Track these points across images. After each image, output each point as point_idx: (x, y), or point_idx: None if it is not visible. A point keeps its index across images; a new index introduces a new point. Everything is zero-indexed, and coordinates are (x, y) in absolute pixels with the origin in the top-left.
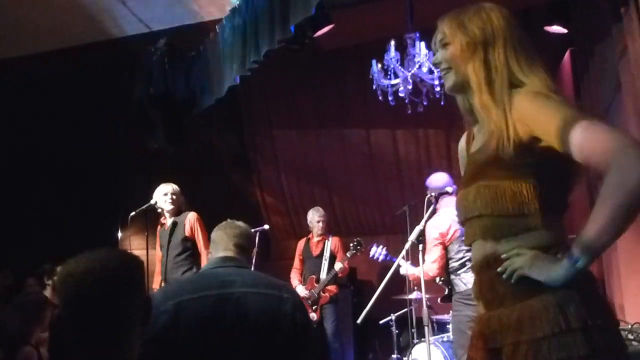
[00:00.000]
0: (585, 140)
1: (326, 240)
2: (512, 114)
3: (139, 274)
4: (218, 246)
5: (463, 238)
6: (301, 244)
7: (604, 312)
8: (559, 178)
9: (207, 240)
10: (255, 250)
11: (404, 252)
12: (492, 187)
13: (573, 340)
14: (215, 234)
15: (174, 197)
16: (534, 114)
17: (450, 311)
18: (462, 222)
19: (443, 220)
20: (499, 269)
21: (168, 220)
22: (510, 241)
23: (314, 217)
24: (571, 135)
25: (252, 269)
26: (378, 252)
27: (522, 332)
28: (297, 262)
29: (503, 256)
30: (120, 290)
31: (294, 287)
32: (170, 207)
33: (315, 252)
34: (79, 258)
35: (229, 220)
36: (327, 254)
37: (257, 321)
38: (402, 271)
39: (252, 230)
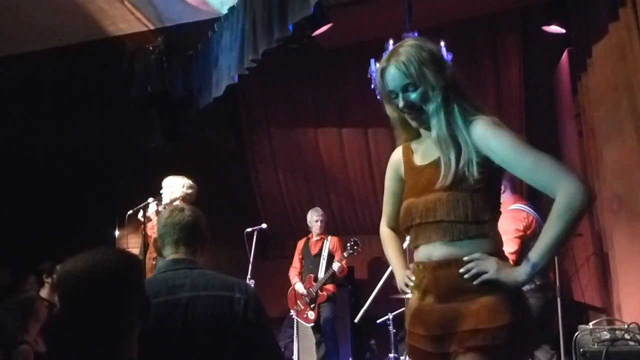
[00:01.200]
0: (534, 168)
1: (325, 240)
2: (472, 138)
3: (137, 272)
4: (166, 244)
5: None
6: (301, 243)
7: (530, 308)
8: (498, 192)
9: None
10: (204, 243)
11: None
12: (454, 196)
13: (522, 329)
14: (162, 229)
15: (166, 190)
16: (492, 141)
17: None
18: (411, 226)
19: (521, 210)
20: (461, 270)
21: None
22: (467, 244)
23: (312, 217)
24: (522, 163)
25: (250, 267)
26: None
27: (481, 322)
28: (296, 261)
29: (465, 259)
30: (119, 289)
31: (293, 284)
32: (166, 201)
33: (314, 251)
34: (77, 257)
35: (174, 208)
36: (325, 253)
37: (207, 325)
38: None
39: (250, 229)
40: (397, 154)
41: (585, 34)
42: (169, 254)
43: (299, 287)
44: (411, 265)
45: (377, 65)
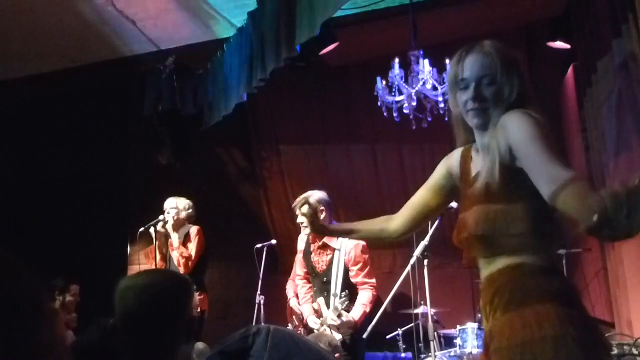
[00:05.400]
0: (537, 163)
1: None
2: (502, 133)
3: (188, 294)
4: None
5: None
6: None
7: (587, 319)
8: (536, 199)
9: (199, 251)
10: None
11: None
12: (492, 209)
13: (567, 343)
14: None
15: (172, 210)
16: (510, 126)
17: (459, 326)
18: (460, 241)
19: None
20: None
21: (172, 235)
22: (511, 258)
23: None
24: (530, 153)
25: (260, 283)
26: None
27: (514, 337)
28: (293, 275)
29: None
30: (172, 308)
31: (289, 299)
32: (171, 222)
33: None
34: (138, 274)
35: None
36: None
37: None
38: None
39: (260, 245)
40: (456, 156)
41: (590, 49)
42: None
43: (294, 302)
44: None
45: (384, 82)
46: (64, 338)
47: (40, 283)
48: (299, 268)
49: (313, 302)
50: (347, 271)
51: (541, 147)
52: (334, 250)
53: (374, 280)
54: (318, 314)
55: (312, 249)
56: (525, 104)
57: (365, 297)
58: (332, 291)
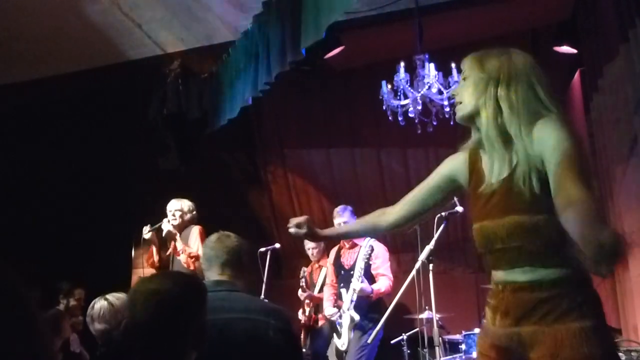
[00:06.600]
0: (566, 184)
1: (323, 267)
2: (533, 142)
3: (199, 301)
4: (210, 267)
5: None
6: (309, 269)
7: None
8: None
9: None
10: (247, 270)
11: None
12: (534, 220)
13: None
14: (206, 250)
15: (178, 213)
16: (548, 140)
17: (464, 331)
18: (489, 251)
19: None
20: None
21: (177, 243)
22: (549, 269)
23: (305, 244)
24: (560, 171)
25: (263, 287)
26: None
27: (562, 349)
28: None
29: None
30: (180, 315)
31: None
32: (175, 224)
33: (315, 279)
34: (151, 278)
35: (221, 232)
36: (319, 283)
37: (241, 348)
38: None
39: (264, 249)
40: (461, 158)
41: (597, 54)
42: (214, 275)
43: (299, 313)
44: (491, 286)
45: (389, 86)
46: (53, 347)
47: (30, 292)
48: (328, 277)
49: (335, 300)
50: (369, 265)
51: (571, 164)
52: (360, 247)
53: (391, 276)
54: (339, 308)
55: (341, 253)
56: (511, 87)
57: (382, 283)
58: (354, 281)
